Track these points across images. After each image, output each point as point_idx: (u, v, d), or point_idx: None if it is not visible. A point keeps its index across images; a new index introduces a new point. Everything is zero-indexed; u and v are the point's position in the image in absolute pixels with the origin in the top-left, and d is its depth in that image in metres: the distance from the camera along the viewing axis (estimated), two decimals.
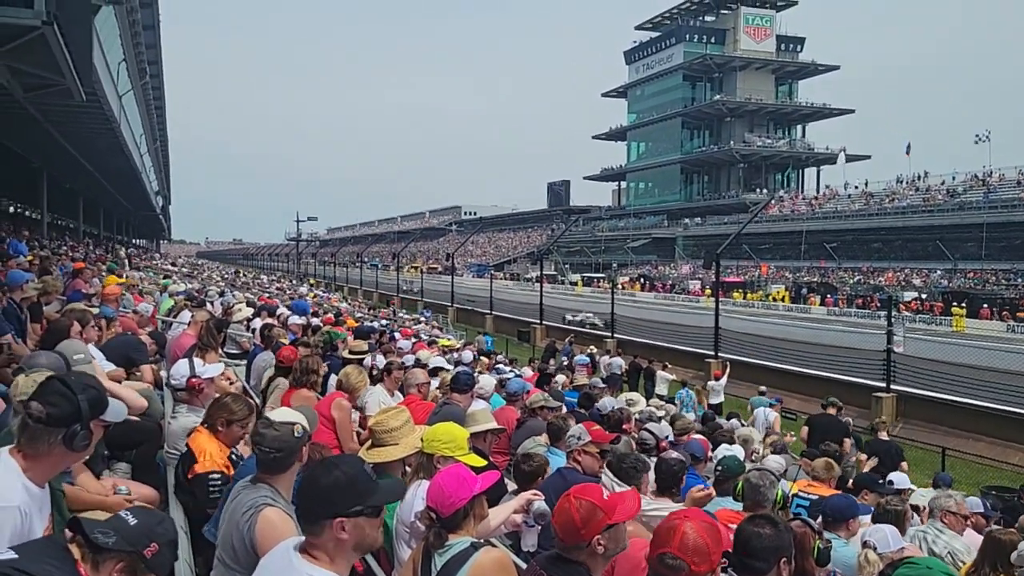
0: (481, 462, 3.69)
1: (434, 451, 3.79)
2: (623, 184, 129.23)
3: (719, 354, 27.12)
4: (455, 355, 14.95)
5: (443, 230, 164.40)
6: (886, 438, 13.41)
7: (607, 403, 8.48)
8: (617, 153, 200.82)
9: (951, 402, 20.19)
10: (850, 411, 21.34)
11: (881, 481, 7.09)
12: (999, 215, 58.51)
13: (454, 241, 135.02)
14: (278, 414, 3.53)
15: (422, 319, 34.64)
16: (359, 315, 26.99)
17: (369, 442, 4.08)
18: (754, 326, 35.30)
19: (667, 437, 6.63)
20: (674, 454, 4.93)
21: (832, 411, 13.67)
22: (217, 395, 4.61)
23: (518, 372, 16.45)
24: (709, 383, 22.08)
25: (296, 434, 3.35)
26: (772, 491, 4.57)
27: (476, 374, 11.90)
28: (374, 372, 8.11)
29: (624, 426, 6.60)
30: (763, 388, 18.82)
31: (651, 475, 4.75)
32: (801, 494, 6.09)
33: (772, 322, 41.38)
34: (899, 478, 7.06)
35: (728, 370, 22.69)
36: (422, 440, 3.86)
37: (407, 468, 3.91)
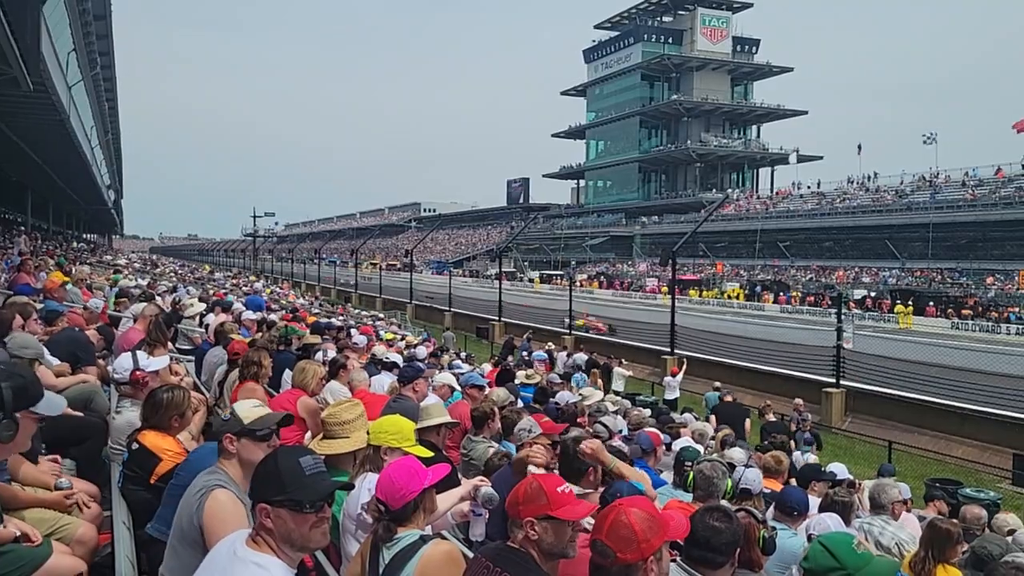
0: (428, 454, 3.66)
1: (380, 442, 3.74)
2: (582, 182, 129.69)
3: (675, 351, 27.44)
4: (411, 351, 14.89)
5: (402, 227, 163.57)
6: (773, 418, 14.52)
7: (564, 397, 8.49)
8: (576, 151, 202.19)
9: (898, 397, 20.63)
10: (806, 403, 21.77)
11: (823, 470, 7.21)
12: (944, 215, 59.91)
13: (413, 238, 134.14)
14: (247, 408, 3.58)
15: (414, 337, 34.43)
16: (316, 311, 26.72)
17: (320, 434, 4.03)
18: (709, 323, 35.79)
19: (621, 431, 6.65)
20: (616, 443, 4.95)
21: (728, 399, 15.68)
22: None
23: (477, 368, 16.52)
24: (665, 379, 22.33)
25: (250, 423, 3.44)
26: (723, 482, 4.62)
27: (436, 370, 11.90)
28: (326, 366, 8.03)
29: (578, 420, 6.60)
30: (717, 384, 19.06)
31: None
32: None
33: (727, 319, 41.98)
34: (839, 468, 7.18)
35: (684, 367, 22.98)
36: (367, 432, 3.82)
37: (357, 461, 3.87)
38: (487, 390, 7.80)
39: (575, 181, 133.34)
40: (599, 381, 21.35)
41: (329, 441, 3.90)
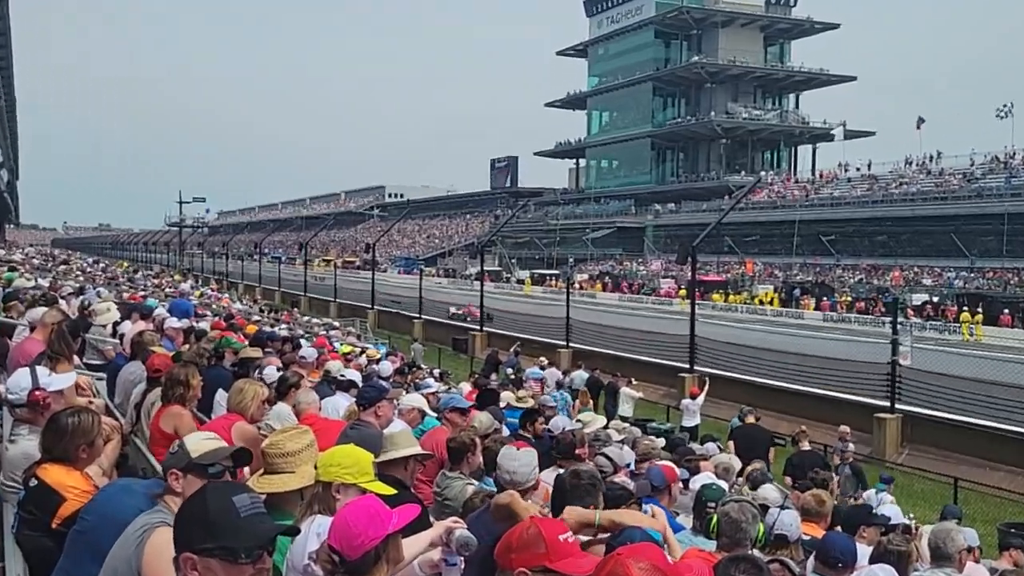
0: (389, 491, 3.65)
1: (332, 478, 3.73)
2: (582, 162, 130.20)
3: (695, 368, 27.48)
4: (373, 367, 14.89)
5: (363, 215, 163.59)
6: (807, 447, 14.33)
7: (558, 423, 8.50)
8: (575, 124, 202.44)
9: (966, 425, 20.73)
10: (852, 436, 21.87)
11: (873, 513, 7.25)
12: (1021, 203, 60.39)
13: (376, 229, 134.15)
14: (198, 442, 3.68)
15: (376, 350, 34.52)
16: (256, 318, 26.66)
17: (261, 469, 4.02)
18: (737, 334, 35.89)
19: (628, 464, 6.66)
20: (620, 478, 4.97)
21: (751, 420, 15.45)
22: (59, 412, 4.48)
23: (454, 388, 16.49)
24: (683, 402, 22.38)
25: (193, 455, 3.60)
26: (753, 527, 4.63)
27: (403, 390, 11.89)
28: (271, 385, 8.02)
29: (577, 451, 6.62)
30: (746, 408, 19.07)
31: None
32: None
33: (758, 330, 42.13)
34: (893, 511, 7.23)
35: (707, 387, 23.02)
36: (316, 467, 3.82)
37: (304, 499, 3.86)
38: (471, 415, 7.82)
39: (573, 160, 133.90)
40: (590, 402, 21.47)
41: (271, 477, 3.89)
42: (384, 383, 8.46)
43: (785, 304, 61.16)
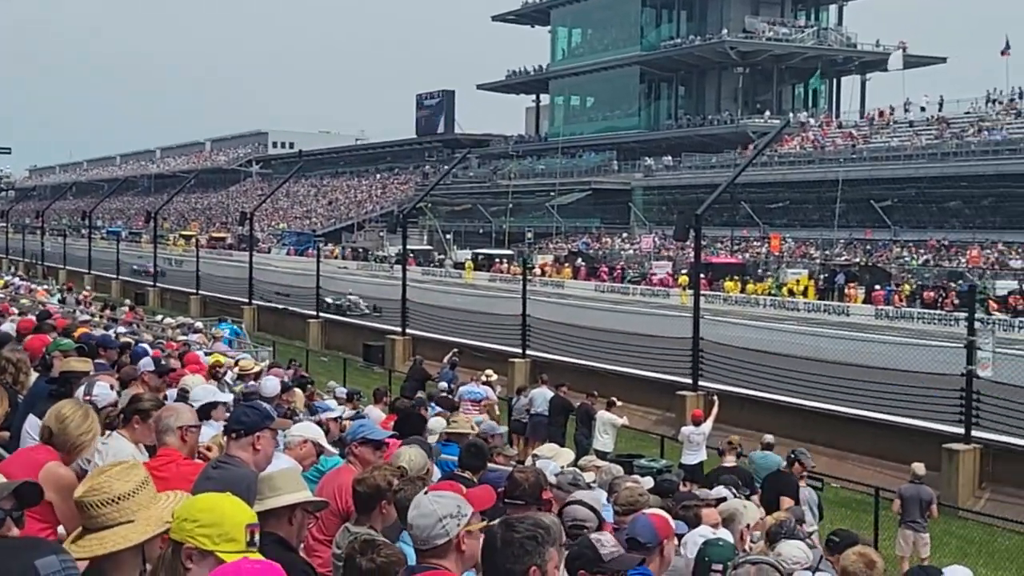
0: (258, 557, 3.64)
1: (183, 538, 3.69)
2: (544, 99, 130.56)
3: (700, 384, 27.69)
4: (251, 383, 14.79)
5: (237, 173, 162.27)
6: (732, 463, 15.21)
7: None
8: (535, 46, 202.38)
9: None
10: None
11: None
12: None
13: (256, 192, 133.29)
14: None
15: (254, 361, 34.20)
16: (84, 318, 26.41)
17: (79, 528, 3.96)
18: (759, 337, 36.13)
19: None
20: (603, 541, 4.98)
21: (798, 469, 15.43)
22: None
23: (363, 410, 16.41)
24: (683, 430, 22.51)
25: None
26: None
27: (292, 415, 11.80)
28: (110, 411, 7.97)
29: (542, 495, 6.63)
30: (769, 438, 19.22)
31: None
32: None
33: (787, 331, 42.40)
34: (962, 574, 7.32)
35: (715, 410, 23.16)
36: (172, 517, 3.77)
37: (147, 566, 3.82)
38: (390, 448, 7.79)
39: (532, 97, 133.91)
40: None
41: (95, 536, 3.82)
42: (265, 406, 8.37)
43: (824, 295, 61.76)
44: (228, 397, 10.75)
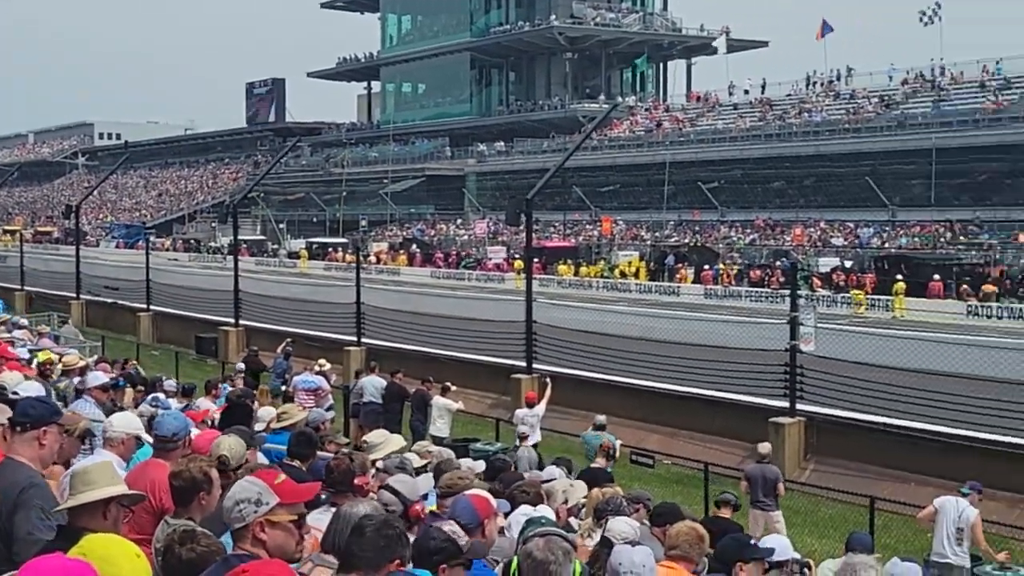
0: None
1: None
2: (376, 86, 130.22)
3: (535, 367, 27.90)
4: (75, 380, 14.42)
5: (62, 165, 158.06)
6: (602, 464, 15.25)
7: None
8: (365, 32, 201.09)
9: (885, 429, 21.80)
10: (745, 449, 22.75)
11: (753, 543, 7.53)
12: (954, 136, 63.89)
13: (82, 185, 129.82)
14: None
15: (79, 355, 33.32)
16: None
17: None
18: (593, 319, 36.59)
19: (426, 496, 6.69)
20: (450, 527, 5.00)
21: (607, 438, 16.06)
22: None
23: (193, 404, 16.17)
24: (517, 413, 22.66)
25: None
26: (568, 568, 4.71)
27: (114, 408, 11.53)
28: None
29: (357, 480, 6.62)
30: (601, 418, 19.48)
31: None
32: None
33: (620, 311, 42.94)
34: (780, 544, 7.53)
35: (548, 391, 23.37)
36: None
37: None
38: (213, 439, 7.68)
39: (364, 84, 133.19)
40: None
41: None
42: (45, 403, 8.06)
43: (655, 276, 62.77)
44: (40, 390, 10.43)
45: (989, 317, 43.97)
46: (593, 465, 15.42)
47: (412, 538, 5.01)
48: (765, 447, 17.78)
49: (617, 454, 16.85)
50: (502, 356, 30.09)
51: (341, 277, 56.17)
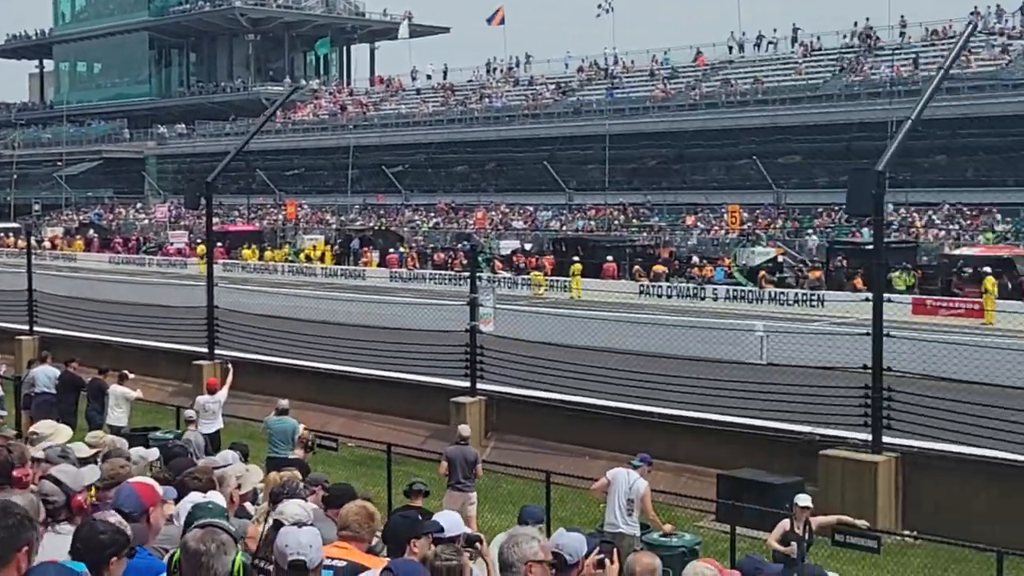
0: None
1: None
2: (49, 65, 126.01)
3: (216, 353, 27.72)
4: None
5: None
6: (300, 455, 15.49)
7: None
8: (38, 9, 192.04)
9: (557, 404, 22.63)
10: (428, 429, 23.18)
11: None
12: (625, 123, 66.80)
13: None
14: None
15: None
16: None
17: None
18: (278, 303, 36.48)
19: (89, 487, 6.55)
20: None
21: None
22: None
23: None
24: (199, 399, 22.39)
25: None
26: (224, 560, 4.73)
27: None
28: None
29: (17, 472, 6.44)
30: (284, 403, 19.53)
31: None
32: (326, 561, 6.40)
33: (305, 295, 42.92)
34: (449, 519, 7.73)
35: (230, 377, 23.21)
36: None
37: None
38: None
39: (36, 63, 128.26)
40: None
41: None
42: None
43: (340, 260, 62.95)
44: None
45: (659, 296, 46.16)
46: (291, 456, 15.47)
47: (73, 528, 4.92)
48: (465, 429, 18.12)
49: (314, 445, 16.88)
50: (184, 343, 29.69)
51: (12, 264, 53.87)
